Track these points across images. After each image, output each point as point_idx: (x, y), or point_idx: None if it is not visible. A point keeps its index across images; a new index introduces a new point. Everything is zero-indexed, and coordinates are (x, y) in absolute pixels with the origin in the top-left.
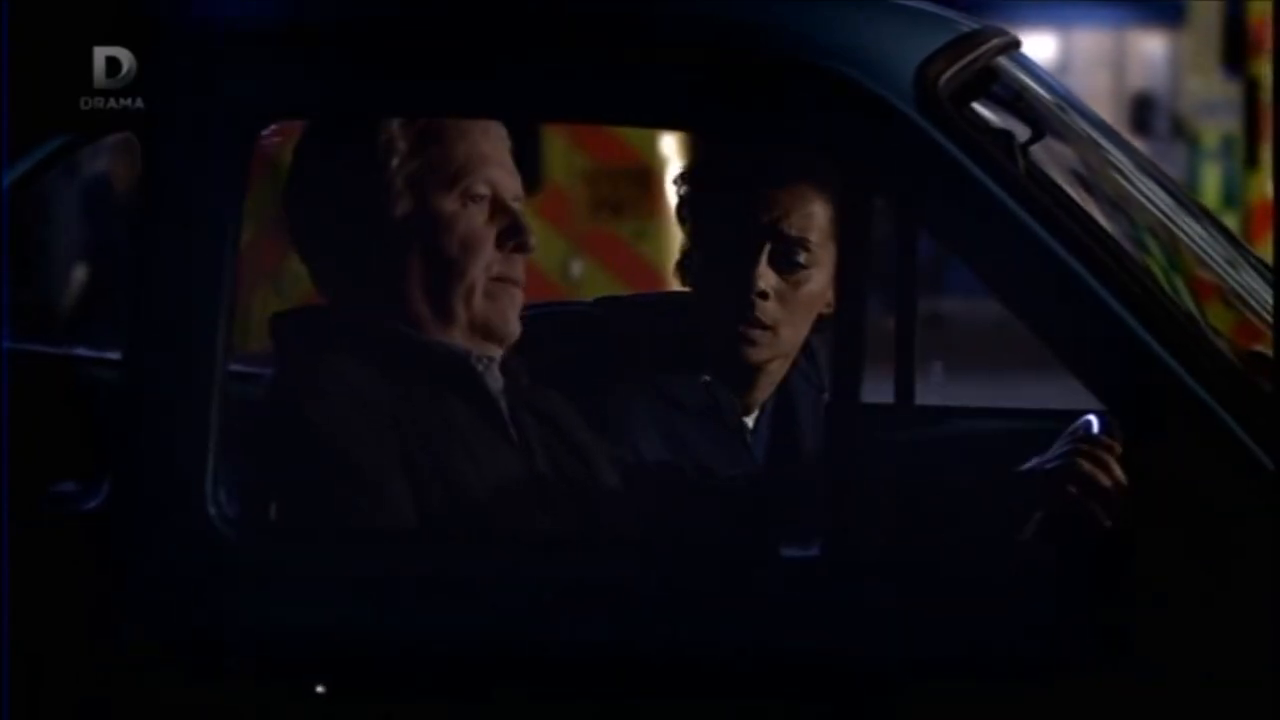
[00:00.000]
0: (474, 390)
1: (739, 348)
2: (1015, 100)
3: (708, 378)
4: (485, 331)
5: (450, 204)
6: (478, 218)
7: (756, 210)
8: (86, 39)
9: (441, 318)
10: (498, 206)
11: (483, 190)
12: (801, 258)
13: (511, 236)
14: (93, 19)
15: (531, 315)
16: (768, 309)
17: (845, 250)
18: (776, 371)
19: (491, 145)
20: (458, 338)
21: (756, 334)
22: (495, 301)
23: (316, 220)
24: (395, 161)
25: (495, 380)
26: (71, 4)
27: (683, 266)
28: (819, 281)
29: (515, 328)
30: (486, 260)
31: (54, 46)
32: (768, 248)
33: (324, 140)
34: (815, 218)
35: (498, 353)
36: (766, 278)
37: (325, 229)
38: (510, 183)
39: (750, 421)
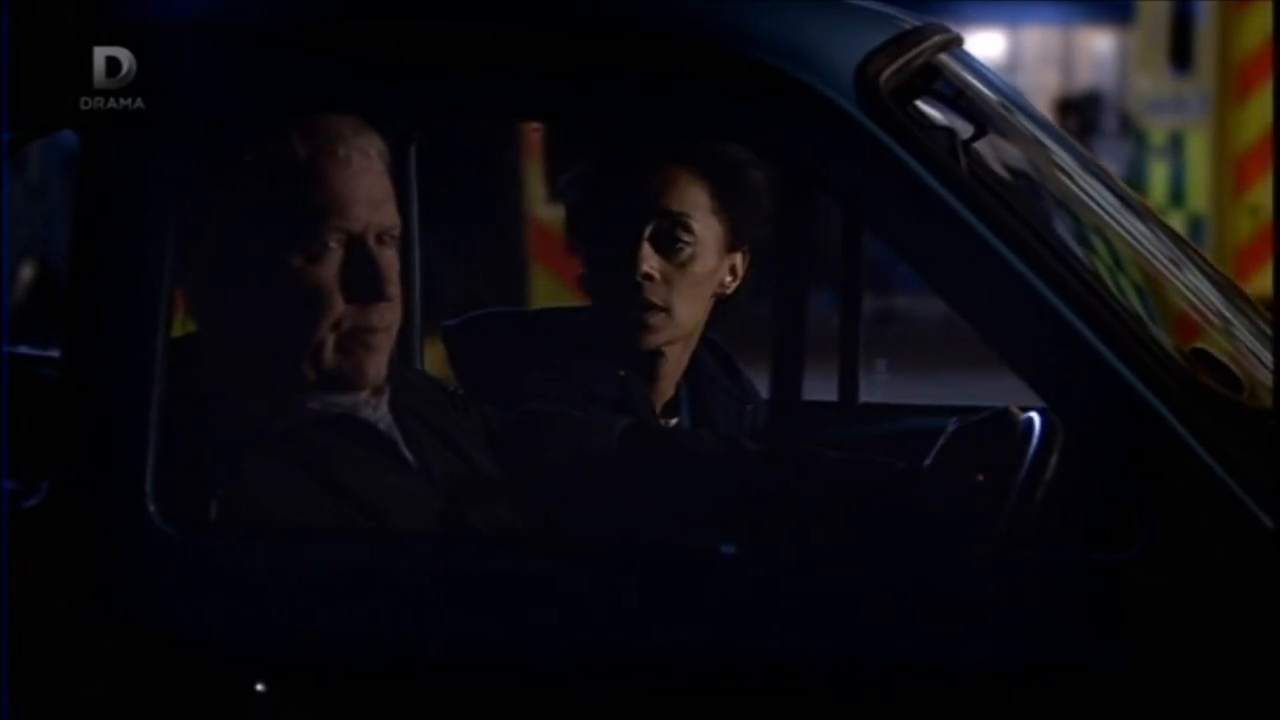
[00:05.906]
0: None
1: (637, 334)
2: (957, 97)
3: (622, 372)
4: (340, 385)
5: (296, 260)
6: (327, 271)
7: (634, 193)
8: (86, 39)
9: (289, 375)
10: (354, 254)
11: (336, 239)
12: (685, 236)
13: (367, 287)
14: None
15: (467, 319)
16: (656, 290)
17: (787, 248)
18: (678, 358)
19: (355, 182)
20: (313, 395)
21: (649, 317)
22: (349, 355)
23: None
24: (248, 204)
25: (385, 419)
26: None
27: (580, 279)
28: (707, 261)
29: (377, 374)
30: (335, 317)
31: (54, 46)
32: (649, 229)
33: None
34: (695, 196)
35: (361, 396)
36: (650, 260)
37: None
38: (376, 218)
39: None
